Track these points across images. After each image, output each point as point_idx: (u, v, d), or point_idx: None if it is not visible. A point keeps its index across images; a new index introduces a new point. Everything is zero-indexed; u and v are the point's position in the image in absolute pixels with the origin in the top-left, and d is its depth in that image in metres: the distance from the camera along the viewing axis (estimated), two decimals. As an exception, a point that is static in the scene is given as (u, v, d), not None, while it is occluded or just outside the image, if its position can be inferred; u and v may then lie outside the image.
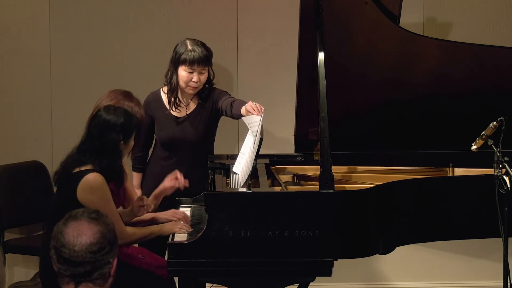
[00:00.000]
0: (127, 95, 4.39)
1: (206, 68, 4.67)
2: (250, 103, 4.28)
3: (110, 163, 3.91)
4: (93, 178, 3.85)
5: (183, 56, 4.63)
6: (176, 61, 4.66)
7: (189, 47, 4.65)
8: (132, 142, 4.02)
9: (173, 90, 4.70)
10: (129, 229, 4.04)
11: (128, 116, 4.00)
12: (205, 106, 4.75)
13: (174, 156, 4.74)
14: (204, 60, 4.64)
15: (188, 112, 4.74)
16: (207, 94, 4.74)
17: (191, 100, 4.75)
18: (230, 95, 4.77)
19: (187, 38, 4.72)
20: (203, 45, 4.69)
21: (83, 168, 3.88)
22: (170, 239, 3.98)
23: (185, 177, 4.69)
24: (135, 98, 4.40)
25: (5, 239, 5.32)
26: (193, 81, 4.64)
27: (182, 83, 4.66)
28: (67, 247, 2.58)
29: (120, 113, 3.99)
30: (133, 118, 4.01)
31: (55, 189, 4.16)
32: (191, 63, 4.62)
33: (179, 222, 4.11)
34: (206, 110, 4.74)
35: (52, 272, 2.69)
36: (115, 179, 3.96)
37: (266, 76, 5.56)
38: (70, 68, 5.52)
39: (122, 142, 3.94)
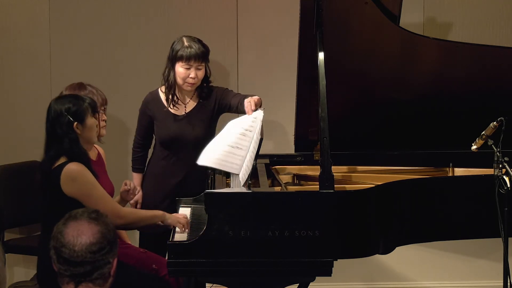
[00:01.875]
0: (80, 86, 4.44)
1: (203, 64, 4.67)
2: (248, 101, 4.29)
3: (68, 148, 3.90)
4: (71, 168, 3.86)
5: (179, 53, 4.63)
6: (173, 58, 4.66)
7: (186, 43, 4.65)
8: (92, 121, 4.01)
9: (171, 87, 4.69)
10: (127, 209, 4.04)
11: (74, 98, 4.01)
12: (206, 105, 4.74)
13: (174, 155, 4.74)
14: (201, 55, 4.64)
15: (187, 110, 4.74)
16: (207, 93, 4.74)
17: (191, 98, 4.75)
18: (233, 91, 4.77)
19: (184, 35, 4.72)
20: (199, 41, 4.69)
21: (58, 163, 3.89)
22: (170, 239, 3.98)
23: (185, 177, 4.69)
24: (88, 85, 4.46)
25: (5, 239, 5.32)
26: (191, 77, 4.64)
27: (179, 80, 4.66)
28: (67, 247, 2.59)
29: (66, 98, 4.02)
30: (81, 99, 4.01)
31: None
32: (188, 59, 4.62)
33: (184, 220, 4.10)
34: (207, 109, 4.74)
35: (50, 273, 2.69)
36: (82, 162, 3.94)
37: (266, 76, 5.56)
38: (70, 68, 5.52)
39: (76, 123, 3.94)
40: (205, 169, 4.60)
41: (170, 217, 4.07)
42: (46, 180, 3.93)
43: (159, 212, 4.09)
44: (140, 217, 4.06)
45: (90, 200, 3.83)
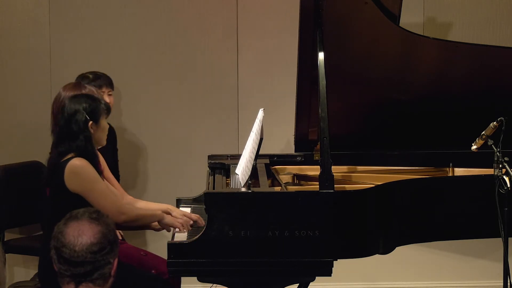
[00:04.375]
0: (79, 86, 4.44)
1: (112, 91, 4.99)
2: None
3: (82, 145, 3.91)
4: (74, 163, 3.86)
5: (91, 84, 4.76)
6: None
7: (91, 76, 4.96)
8: (104, 123, 4.02)
9: None
10: (128, 205, 4.03)
11: (91, 98, 4.02)
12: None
13: None
14: (111, 81, 5.00)
15: None
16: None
17: None
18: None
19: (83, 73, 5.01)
20: (101, 72, 5.02)
21: (64, 159, 3.90)
22: (170, 239, 3.98)
23: None
24: (86, 85, 4.47)
25: (5, 239, 5.32)
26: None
27: None
28: (68, 247, 2.58)
29: (82, 97, 4.03)
30: (97, 99, 4.03)
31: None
32: (99, 86, 4.88)
33: (181, 219, 4.10)
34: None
35: (51, 272, 2.69)
36: (90, 161, 3.93)
37: (266, 76, 5.56)
38: (70, 68, 5.52)
39: (91, 122, 3.94)
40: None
41: (167, 217, 4.07)
42: (52, 175, 3.93)
43: (158, 212, 4.09)
44: (141, 214, 4.05)
45: (93, 194, 3.82)
